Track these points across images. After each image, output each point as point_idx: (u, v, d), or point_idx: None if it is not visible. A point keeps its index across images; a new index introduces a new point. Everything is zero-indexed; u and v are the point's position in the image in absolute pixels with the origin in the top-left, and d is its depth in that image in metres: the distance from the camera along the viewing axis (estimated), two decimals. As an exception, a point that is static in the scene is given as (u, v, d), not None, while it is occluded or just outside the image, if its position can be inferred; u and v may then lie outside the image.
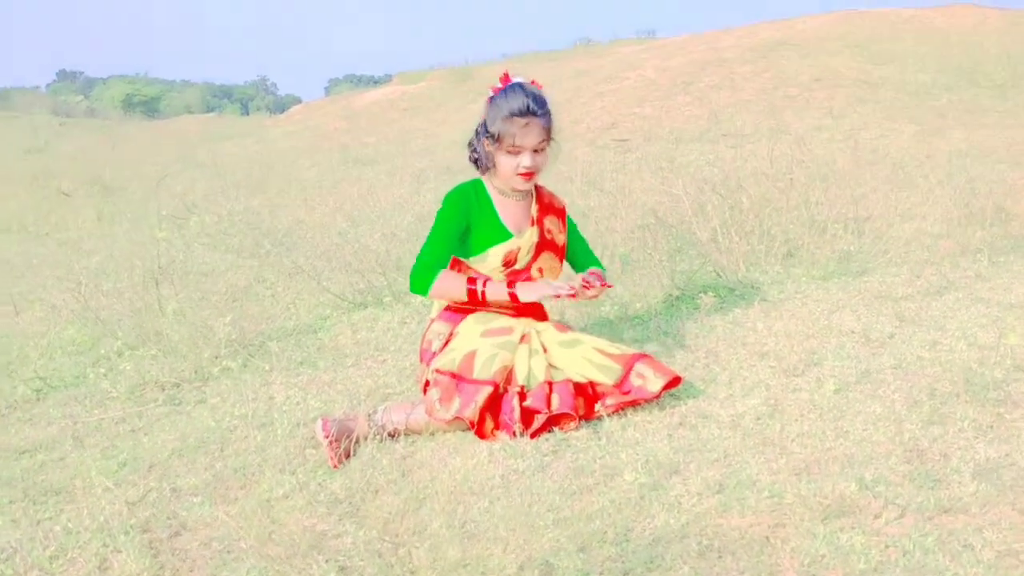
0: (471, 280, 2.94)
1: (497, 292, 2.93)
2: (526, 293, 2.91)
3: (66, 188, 9.76)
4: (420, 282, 2.95)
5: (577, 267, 3.27)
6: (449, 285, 2.94)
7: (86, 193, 9.67)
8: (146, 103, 55.99)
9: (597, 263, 3.29)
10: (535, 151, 2.95)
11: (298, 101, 46.64)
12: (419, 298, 4.40)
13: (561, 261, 3.18)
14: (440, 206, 3.01)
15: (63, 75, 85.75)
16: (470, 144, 3.11)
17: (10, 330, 4.53)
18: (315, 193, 8.59)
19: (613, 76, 13.97)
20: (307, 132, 16.41)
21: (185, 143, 16.10)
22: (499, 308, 3.04)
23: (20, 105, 29.79)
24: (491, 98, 2.99)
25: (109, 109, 41.45)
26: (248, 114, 44.61)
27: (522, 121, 2.91)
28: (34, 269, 6.17)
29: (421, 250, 2.99)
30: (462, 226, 2.99)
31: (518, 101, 2.91)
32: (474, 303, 2.96)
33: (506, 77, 3.01)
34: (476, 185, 3.07)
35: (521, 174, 2.96)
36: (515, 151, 2.94)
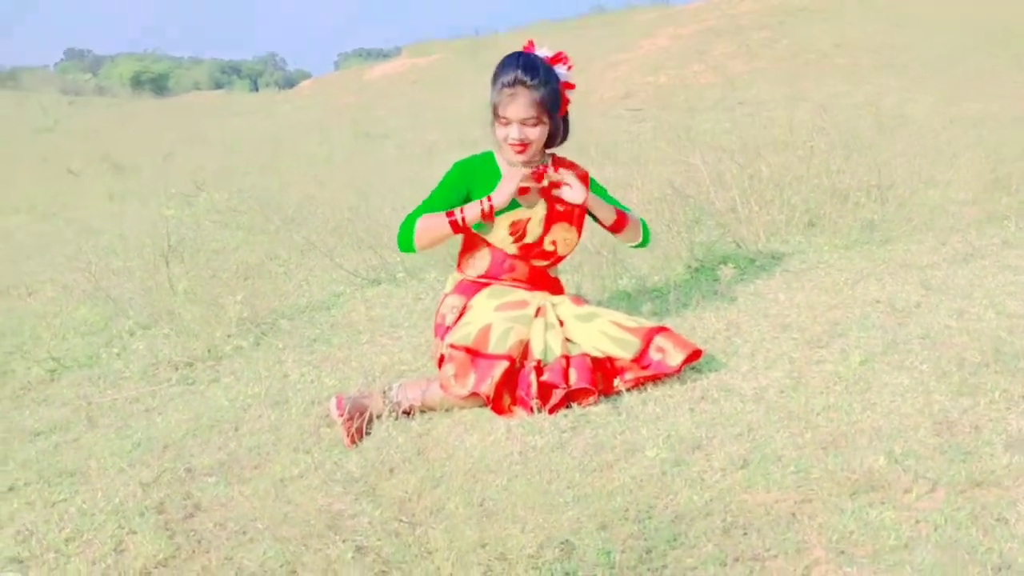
0: (449, 212, 2.86)
1: (473, 209, 2.85)
2: (498, 196, 2.84)
3: (76, 167, 9.73)
4: (404, 237, 2.89)
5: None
6: (429, 224, 2.85)
7: (96, 172, 9.64)
8: (154, 80, 55.94)
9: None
10: (523, 123, 2.86)
11: (308, 76, 46.47)
12: (433, 273, 4.35)
13: (579, 230, 3.09)
14: (446, 173, 2.96)
15: (71, 53, 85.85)
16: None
17: (23, 311, 4.50)
18: (325, 169, 8.55)
19: (627, 45, 13.81)
20: (317, 107, 16.34)
21: (194, 120, 16.06)
22: (514, 281, 2.98)
23: (28, 84, 29.82)
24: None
25: (118, 87, 41.47)
26: (257, 90, 44.47)
27: (509, 91, 2.82)
28: (44, 249, 6.14)
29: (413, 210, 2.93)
30: (461, 193, 2.91)
31: (507, 70, 2.83)
32: (457, 230, 2.87)
33: (530, 45, 2.93)
34: (486, 156, 2.99)
35: (511, 145, 2.88)
36: (504, 122, 2.86)
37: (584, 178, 3.11)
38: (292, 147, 10.82)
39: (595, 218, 3.11)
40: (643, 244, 3.20)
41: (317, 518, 2.05)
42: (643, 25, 15.80)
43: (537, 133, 2.86)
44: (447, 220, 2.85)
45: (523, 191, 2.90)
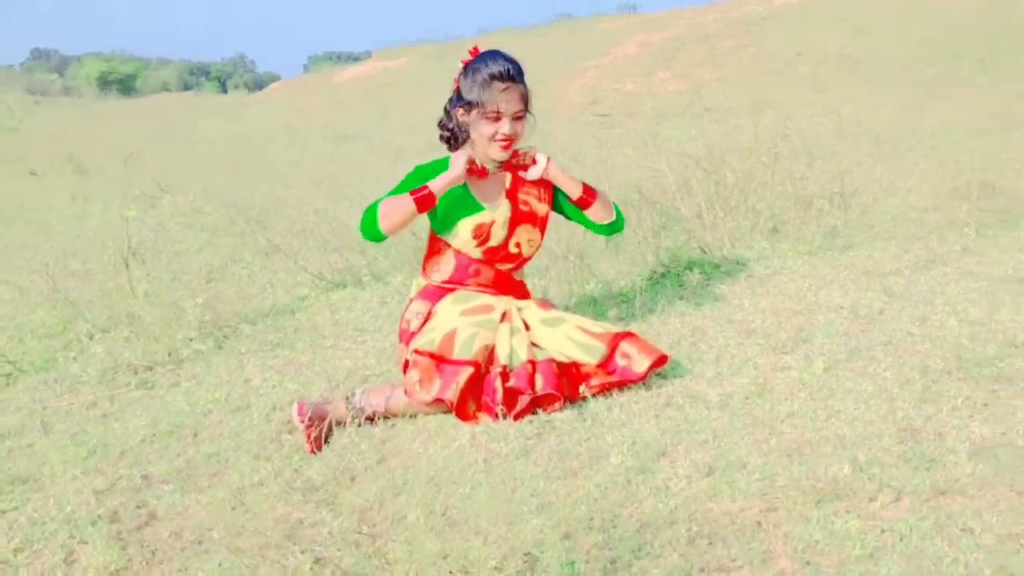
0: (412, 192, 2.79)
1: (438, 180, 2.80)
2: (449, 175, 2.82)
3: (39, 168, 9.56)
4: (368, 224, 2.80)
5: (580, 219, 3.12)
6: (392, 206, 2.77)
7: (59, 173, 9.47)
8: (122, 81, 55.23)
9: None
10: (514, 118, 2.85)
11: (277, 78, 46.13)
12: (399, 277, 4.31)
13: (542, 232, 3.07)
14: (404, 175, 2.92)
15: (37, 53, 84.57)
16: (440, 123, 3.02)
17: (-23, 313, 4.39)
18: (293, 171, 8.47)
19: (594, 52, 13.85)
20: (286, 109, 16.23)
21: (162, 121, 15.86)
22: (479, 286, 2.95)
23: (-7, 84, 29.30)
24: (465, 67, 2.89)
25: (84, 87, 40.95)
26: (227, 92, 44.15)
27: (502, 85, 2.81)
28: (2, 252, 6.01)
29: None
30: None
31: (498, 65, 2.81)
32: (423, 206, 2.79)
33: (476, 50, 2.91)
34: (446, 161, 2.96)
35: (499, 140, 2.86)
36: (494, 117, 2.83)
37: (544, 182, 3.08)
38: (260, 149, 10.74)
39: (561, 205, 3.07)
40: (617, 226, 3.09)
41: (275, 528, 2.00)
42: (610, 33, 15.87)
43: (521, 128, 2.88)
44: (411, 198, 2.77)
45: (490, 193, 2.88)
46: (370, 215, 2.79)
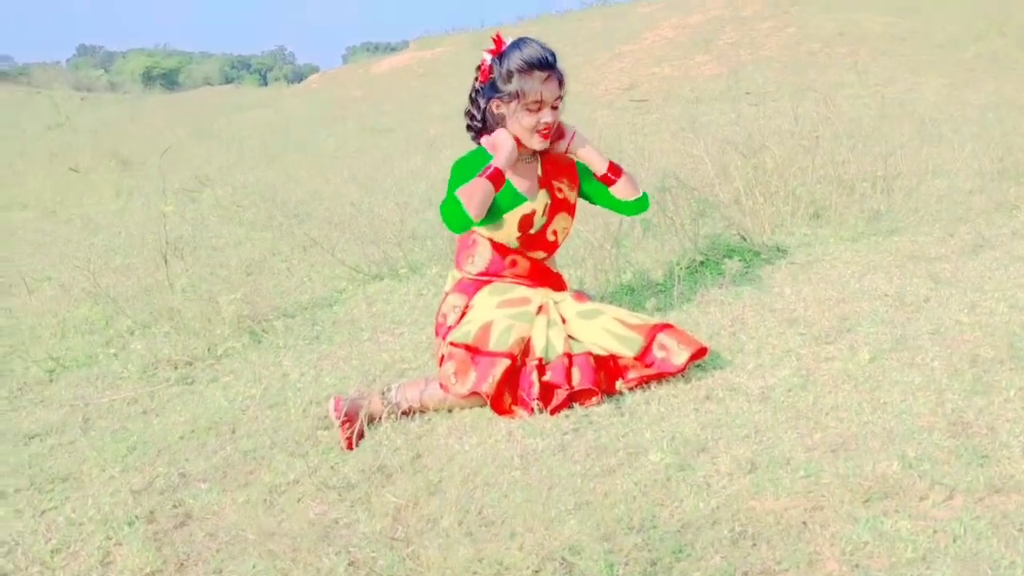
0: (480, 174, 2.75)
1: (499, 158, 2.78)
2: (500, 157, 2.79)
3: (85, 163, 9.67)
4: (453, 214, 2.72)
5: (611, 202, 3.07)
6: (471, 191, 2.72)
7: (105, 168, 9.58)
8: (165, 76, 56.02)
9: None
10: (553, 107, 2.80)
11: (316, 70, 46.38)
12: (435, 268, 4.29)
13: (572, 219, 3.04)
14: (449, 176, 2.87)
15: (83, 50, 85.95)
16: (467, 113, 2.97)
17: (23, 310, 4.45)
18: (331, 163, 8.48)
19: (631, 36, 13.71)
20: (325, 101, 16.27)
21: (204, 115, 15.99)
22: (516, 277, 2.92)
23: (41, 80, 29.84)
24: (497, 57, 2.83)
25: (129, 83, 41.54)
26: (267, 84, 44.48)
27: (543, 74, 2.76)
28: (47, 247, 6.10)
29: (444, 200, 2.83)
30: None
31: (536, 53, 2.75)
32: (500, 182, 2.76)
33: (499, 39, 2.85)
34: (482, 153, 2.91)
35: (540, 131, 2.81)
36: (536, 107, 2.78)
37: (571, 167, 3.04)
38: (299, 141, 10.77)
39: (585, 190, 3.04)
40: (643, 204, 3.03)
41: (310, 528, 1.99)
42: (647, 16, 15.68)
43: (558, 116, 2.85)
44: (483, 178, 2.74)
45: (527, 183, 2.85)
46: (452, 206, 2.72)
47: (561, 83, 2.81)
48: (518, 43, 2.80)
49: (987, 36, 10.81)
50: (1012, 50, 10.10)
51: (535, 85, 2.75)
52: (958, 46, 10.47)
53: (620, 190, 2.98)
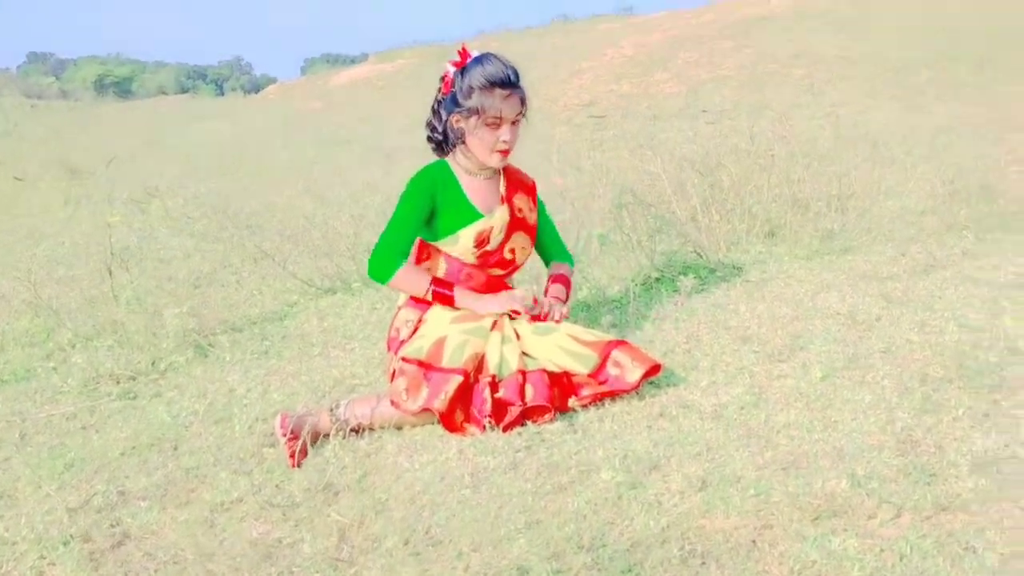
0: (436, 281, 2.79)
1: (484, 305, 2.79)
2: (487, 305, 2.79)
3: (32, 172, 9.49)
4: (380, 269, 2.79)
5: (544, 253, 3.14)
6: (412, 280, 2.79)
7: (52, 177, 9.40)
8: (118, 84, 55.30)
9: (564, 251, 3.18)
10: (513, 124, 2.78)
11: (274, 81, 46.10)
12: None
13: (533, 241, 3.02)
14: (404, 189, 2.84)
15: (33, 57, 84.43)
16: (428, 124, 2.94)
17: (-40, 322, 4.32)
18: (286, 175, 8.40)
19: (591, 53, 13.79)
20: (282, 113, 16.16)
21: (157, 125, 15.79)
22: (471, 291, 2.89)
23: (-11, 88, 29.21)
24: (460, 70, 2.80)
25: (81, 90, 40.89)
26: (223, 95, 44.08)
27: (504, 92, 2.73)
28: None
29: (382, 235, 2.81)
30: (426, 211, 2.82)
31: (498, 70, 2.73)
32: (443, 304, 2.80)
33: (464, 52, 2.82)
34: (441, 167, 2.88)
35: (500, 149, 2.79)
36: (495, 124, 2.76)
37: (532, 189, 3.04)
38: (254, 153, 10.66)
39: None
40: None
41: (251, 549, 1.93)
42: (607, 34, 15.81)
43: (517, 134, 2.82)
44: (431, 289, 2.78)
45: (486, 199, 2.83)
46: (385, 267, 2.78)
47: (523, 101, 2.79)
48: (481, 59, 2.77)
49: (939, 61, 11.05)
50: (963, 75, 10.33)
51: (495, 102, 2.73)
52: (910, 70, 10.69)
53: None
